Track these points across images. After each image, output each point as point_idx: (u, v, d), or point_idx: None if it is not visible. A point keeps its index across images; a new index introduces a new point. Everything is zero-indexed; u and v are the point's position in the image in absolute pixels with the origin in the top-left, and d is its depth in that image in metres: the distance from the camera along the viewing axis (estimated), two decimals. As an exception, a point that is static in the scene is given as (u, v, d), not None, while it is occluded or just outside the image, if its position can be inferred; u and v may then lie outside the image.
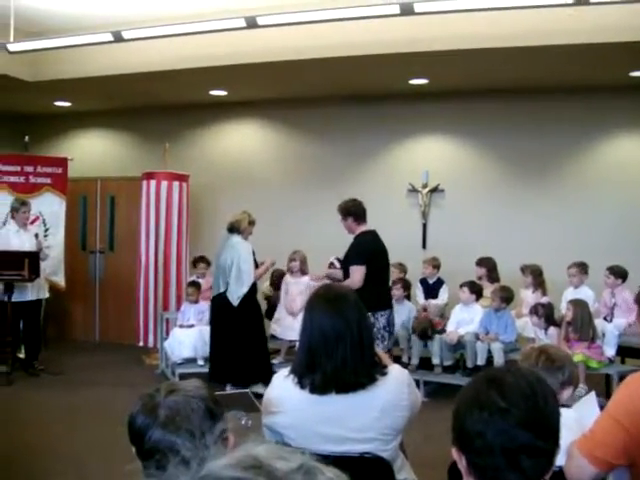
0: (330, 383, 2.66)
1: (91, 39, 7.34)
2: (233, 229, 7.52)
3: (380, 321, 6.66)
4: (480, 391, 1.63)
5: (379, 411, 2.67)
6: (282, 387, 2.78)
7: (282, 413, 2.73)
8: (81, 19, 7.60)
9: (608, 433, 2.42)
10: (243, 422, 2.94)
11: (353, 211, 6.72)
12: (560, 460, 2.55)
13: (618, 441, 2.39)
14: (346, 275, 6.78)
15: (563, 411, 2.52)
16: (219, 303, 7.45)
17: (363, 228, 6.73)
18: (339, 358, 2.66)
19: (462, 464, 1.64)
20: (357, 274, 6.52)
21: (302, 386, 2.71)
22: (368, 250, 6.63)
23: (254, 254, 7.59)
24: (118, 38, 7.19)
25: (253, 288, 7.50)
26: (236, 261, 7.33)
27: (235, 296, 7.34)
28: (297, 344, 2.81)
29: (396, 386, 2.74)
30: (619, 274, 7.33)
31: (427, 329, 7.73)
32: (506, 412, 1.57)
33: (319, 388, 2.68)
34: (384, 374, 2.74)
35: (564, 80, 8.30)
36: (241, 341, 7.29)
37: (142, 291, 9.36)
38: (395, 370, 2.84)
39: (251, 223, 7.68)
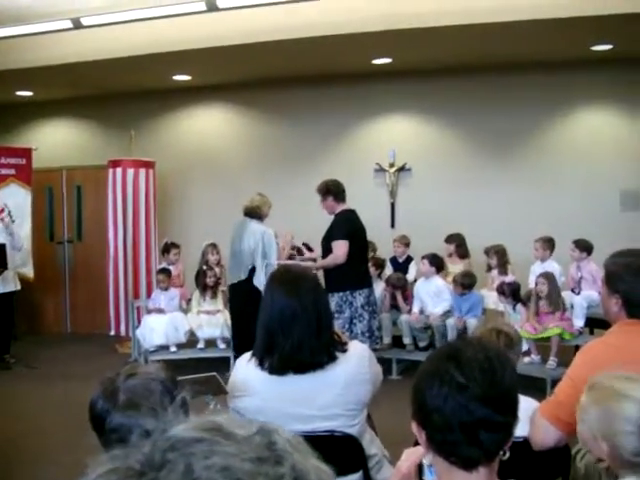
0: (287, 364, 2.69)
1: (50, 27, 7.26)
2: (253, 214, 7.27)
3: (358, 299, 6.73)
4: (439, 366, 1.63)
5: (342, 387, 2.70)
6: (245, 370, 2.80)
7: (247, 396, 2.75)
8: (40, 6, 7.47)
9: (570, 396, 2.49)
10: (212, 406, 2.94)
11: (334, 190, 6.88)
12: (522, 430, 2.61)
13: None
14: (325, 254, 6.84)
15: None
16: (242, 289, 7.12)
17: (343, 207, 6.89)
18: (295, 339, 2.68)
19: (422, 439, 1.65)
20: (341, 249, 6.64)
21: (262, 367, 2.73)
22: (350, 227, 6.77)
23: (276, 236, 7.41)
24: (77, 25, 7.11)
25: None
26: (266, 251, 7.09)
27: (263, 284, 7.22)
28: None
29: (357, 361, 2.78)
30: (584, 247, 7.41)
31: (402, 279, 7.89)
32: (464, 387, 1.57)
33: (277, 369, 2.70)
34: (344, 351, 2.77)
35: (527, 56, 8.32)
36: None
37: (112, 280, 9.30)
38: (355, 345, 2.88)
39: (270, 207, 7.40)
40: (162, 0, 6.92)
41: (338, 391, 2.69)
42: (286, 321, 2.69)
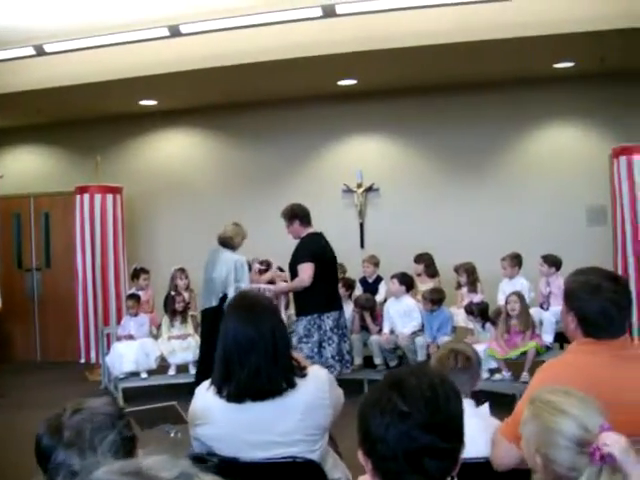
0: (244, 391, 2.68)
1: (13, 54, 7.23)
2: (225, 244, 7.31)
3: (327, 322, 6.68)
4: (382, 395, 1.63)
5: (301, 413, 2.69)
6: (205, 398, 2.78)
7: (207, 424, 2.74)
8: (3, 33, 7.44)
9: None
10: (172, 434, 2.92)
11: (300, 214, 6.84)
12: (485, 450, 2.61)
13: None
14: (293, 278, 6.81)
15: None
16: (212, 316, 6.99)
17: (309, 230, 6.86)
18: (252, 366, 2.66)
19: (368, 467, 1.64)
20: (306, 271, 6.60)
21: (221, 396, 2.71)
22: (315, 249, 6.73)
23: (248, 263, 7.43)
24: (40, 52, 7.10)
25: None
26: (238, 278, 7.09)
27: None
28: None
29: (316, 386, 2.77)
30: (553, 263, 7.46)
31: (370, 299, 7.89)
32: (407, 415, 1.57)
33: (234, 396, 2.69)
34: (303, 376, 2.76)
35: (491, 74, 8.43)
36: None
37: (81, 306, 9.24)
38: (314, 370, 2.87)
39: (244, 238, 7.43)
40: (125, 26, 6.92)
41: (298, 417, 2.68)
42: (242, 348, 2.68)
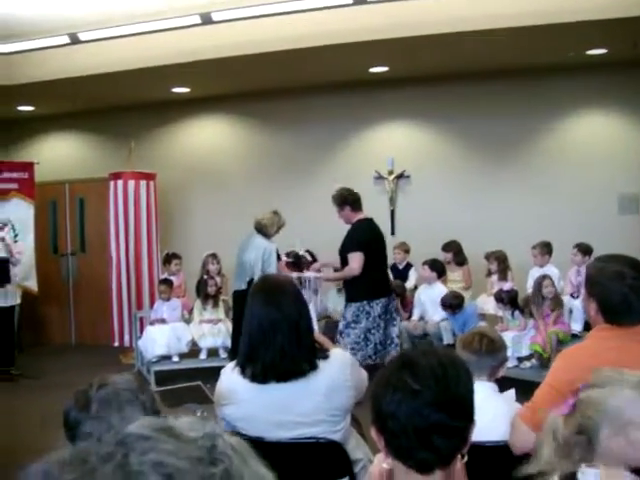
0: (269, 372, 2.73)
1: (48, 42, 7.34)
2: (259, 230, 7.42)
3: (376, 309, 6.69)
4: (393, 373, 1.68)
5: (323, 394, 2.73)
6: (230, 379, 2.84)
7: (233, 405, 2.80)
8: (38, 22, 7.55)
9: (548, 400, 2.51)
10: (198, 414, 2.98)
11: (350, 200, 6.83)
12: (503, 434, 2.64)
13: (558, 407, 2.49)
14: (343, 265, 6.83)
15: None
16: (241, 299, 7.17)
17: (360, 216, 6.86)
18: (277, 347, 2.72)
19: (381, 444, 1.69)
20: (356, 261, 6.61)
21: (245, 376, 2.77)
22: (364, 237, 6.73)
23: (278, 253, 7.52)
24: (75, 40, 7.20)
25: None
26: (265, 267, 7.17)
27: None
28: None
29: (338, 368, 2.81)
30: (586, 251, 7.43)
31: (400, 286, 7.90)
32: (417, 393, 1.61)
33: (259, 377, 2.75)
34: (326, 357, 2.80)
35: (524, 61, 8.36)
36: None
37: (115, 291, 9.38)
38: (337, 353, 2.91)
39: (280, 227, 7.50)
40: (157, 14, 6.99)
41: (320, 398, 2.73)
42: (266, 331, 2.74)
